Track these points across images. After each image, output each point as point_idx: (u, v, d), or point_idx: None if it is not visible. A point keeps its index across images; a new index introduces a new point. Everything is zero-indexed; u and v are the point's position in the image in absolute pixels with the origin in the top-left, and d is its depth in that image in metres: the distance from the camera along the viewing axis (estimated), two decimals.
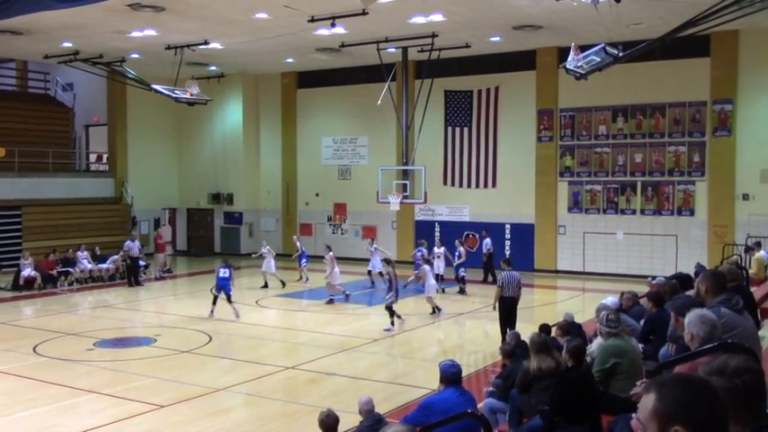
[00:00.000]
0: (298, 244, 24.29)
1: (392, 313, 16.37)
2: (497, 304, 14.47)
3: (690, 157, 23.15)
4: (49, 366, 13.36)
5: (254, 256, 24.63)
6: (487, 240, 23.77)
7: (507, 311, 14.31)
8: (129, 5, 17.84)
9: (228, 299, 17.91)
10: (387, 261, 17.30)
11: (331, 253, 20.48)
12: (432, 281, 18.44)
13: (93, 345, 15.16)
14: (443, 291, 21.20)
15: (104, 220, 27.87)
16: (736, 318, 5.84)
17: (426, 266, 18.61)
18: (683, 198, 23.30)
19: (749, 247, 19.19)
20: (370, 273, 22.93)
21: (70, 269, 23.55)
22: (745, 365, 2.68)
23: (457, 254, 21.64)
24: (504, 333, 14.15)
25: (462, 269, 21.39)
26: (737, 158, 22.38)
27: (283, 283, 22.67)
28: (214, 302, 18.16)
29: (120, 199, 29.44)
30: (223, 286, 17.95)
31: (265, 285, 22.57)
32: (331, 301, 19.99)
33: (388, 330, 16.24)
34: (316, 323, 17.90)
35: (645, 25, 19.84)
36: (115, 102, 29.83)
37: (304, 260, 23.90)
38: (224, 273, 18.04)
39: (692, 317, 5.00)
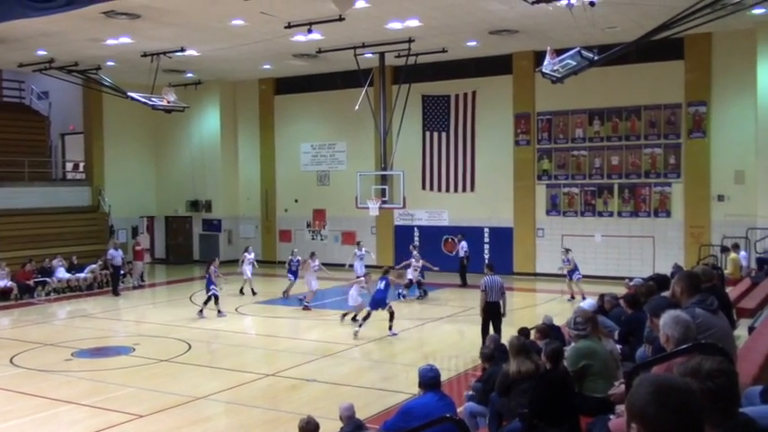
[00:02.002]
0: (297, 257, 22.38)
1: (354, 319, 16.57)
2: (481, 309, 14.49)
3: (666, 159, 23.39)
4: (27, 377, 13.22)
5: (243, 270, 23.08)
6: (463, 244, 23.84)
7: (491, 316, 14.33)
8: (103, 13, 17.72)
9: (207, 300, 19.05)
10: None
11: (308, 260, 20.68)
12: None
13: (71, 355, 15.02)
14: (404, 297, 21.18)
15: (81, 229, 27.57)
16: (711, 318, 5.90)
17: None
18: (659, 200, 23.52)
19: (725, 248, 19.45)
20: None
21: (47, 279, 23.33)
22: (719, 368, 2.72)
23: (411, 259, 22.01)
24: (485, 337, 14.21)
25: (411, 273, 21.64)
26: (712, 160, 22.63)
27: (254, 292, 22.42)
28: (207, 302, 19.17)
29: (97, 208, 29.17)
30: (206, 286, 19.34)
31: (242, 292, 22.48)
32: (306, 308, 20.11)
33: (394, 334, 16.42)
34: (296, 330, 17.86)
35: (619, 29, 20.03)
36: (91, 110, 29.57)
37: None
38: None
39: (666, 318, 5.05)
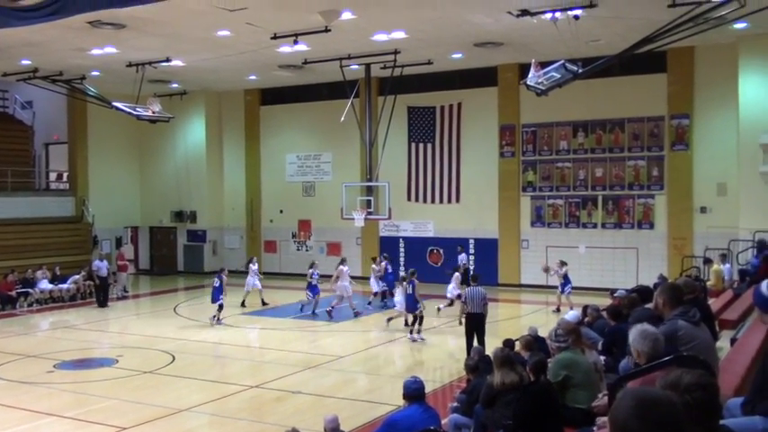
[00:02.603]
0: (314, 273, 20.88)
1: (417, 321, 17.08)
2: (464, 320, 14.54)
3: (649, 171, 23.57)
4: (8, 389, 13.09)
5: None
6: (462, 256, 24.02)
7: (474, 327, 14.34)
8: (89, 23, 17.68)
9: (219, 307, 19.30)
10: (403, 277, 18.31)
11: (341, 267, 20.72)
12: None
13: (54, 367, 14.88)
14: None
15: (65, 240, 27.39)
16: (694, 330, 5.96)
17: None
18: (642, 211, 23.68)
19: (707, 260, 19.57)
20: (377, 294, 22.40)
21: (29, 290, 23.12)
22: (698, 382, 2.74)
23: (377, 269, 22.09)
24: (469, 348, 14.24)
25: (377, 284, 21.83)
26: (695, 172, 22.83)
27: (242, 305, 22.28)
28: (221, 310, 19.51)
29: (80, 218, 29.00)
30: (212, 295, 19.50)
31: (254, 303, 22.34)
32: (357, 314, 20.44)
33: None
34: (281, 341, 17.80)
35: (603, 42, 20.20)
36: (75, 120, 29.43)
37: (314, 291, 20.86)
38: (216, 282, 19.51)
39: (634, 334, 5.07)
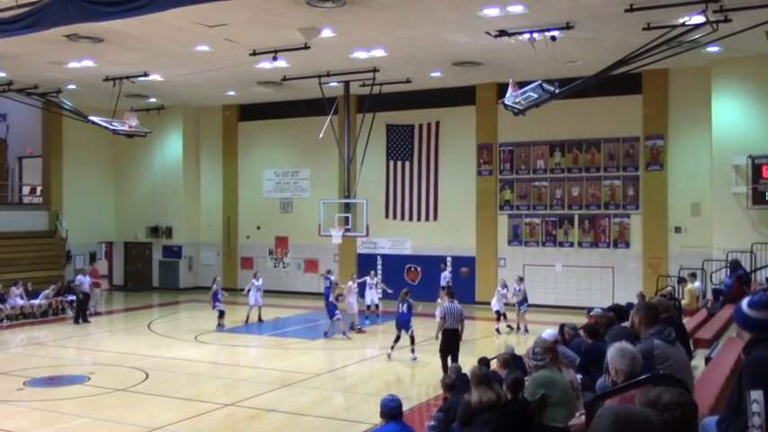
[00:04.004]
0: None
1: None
2: (440, 336, 14.53)
3: (624, 191, 23.80)
4: None
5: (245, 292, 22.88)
6: (445, 273, 24.06)
7: (448, 343, 14.34)
8: (66, 36, 17.56)
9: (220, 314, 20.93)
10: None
11: (350, 282, 20.73)
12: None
13: (24, 384, 14.62)
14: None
15: (37, 255, 26.97)
16: (669, 349, 6.00)
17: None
18: (618, 231, 23.88)
19: (682, 279, 19.76)
20: (369, 308, 22.40)
21: (0, 305, 22.74)
22: (677, 400, 2.75)
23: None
24: (445, 365, 14.22)
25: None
26: (669, 192, 23.09)
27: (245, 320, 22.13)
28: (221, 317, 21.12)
29: (54, 232, 28.63)
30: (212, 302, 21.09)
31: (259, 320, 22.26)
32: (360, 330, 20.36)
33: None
34: (257, 358, 17.64)
35: (580, 63, 20.43)
36: (50, 133, 29.14)
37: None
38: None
39: (612, 352, 5.10)
